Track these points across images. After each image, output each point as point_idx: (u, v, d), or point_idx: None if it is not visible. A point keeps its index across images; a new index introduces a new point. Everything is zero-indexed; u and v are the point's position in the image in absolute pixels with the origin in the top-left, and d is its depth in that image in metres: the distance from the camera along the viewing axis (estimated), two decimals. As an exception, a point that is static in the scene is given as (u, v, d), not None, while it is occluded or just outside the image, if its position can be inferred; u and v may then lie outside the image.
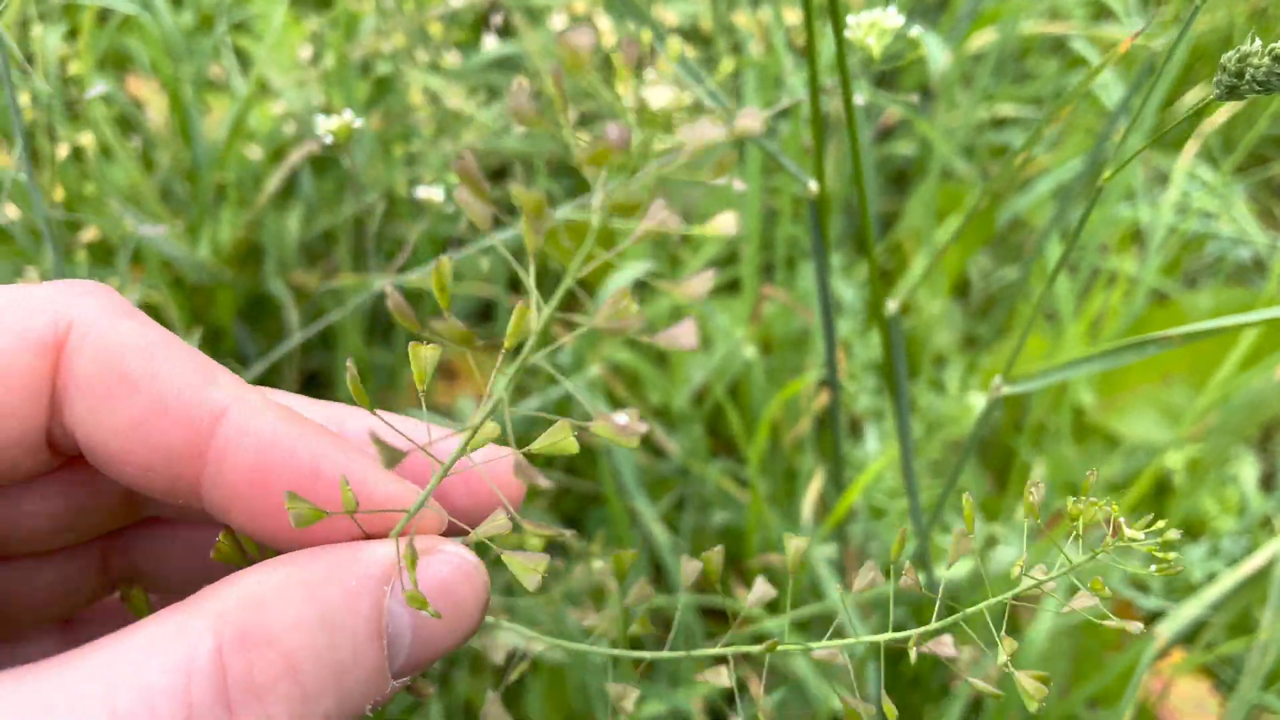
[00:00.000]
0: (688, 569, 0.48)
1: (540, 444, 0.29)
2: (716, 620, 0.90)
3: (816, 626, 0.81)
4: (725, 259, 1.09)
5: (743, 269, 0.88)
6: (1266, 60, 0.33)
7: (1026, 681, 0.32)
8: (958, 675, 0.79)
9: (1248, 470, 1.05)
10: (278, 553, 0.31)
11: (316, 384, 1.12)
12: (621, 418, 0.27)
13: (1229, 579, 0.76)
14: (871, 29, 0.45)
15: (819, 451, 0.89)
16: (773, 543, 0.87)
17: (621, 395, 0.98)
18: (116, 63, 1.24)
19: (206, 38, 1.06)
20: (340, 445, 0.31)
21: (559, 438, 0.29)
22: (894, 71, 1.23)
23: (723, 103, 0.55)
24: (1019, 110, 1.13)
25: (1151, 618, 0.88)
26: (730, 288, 1.07)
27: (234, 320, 1.03)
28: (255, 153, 1.02)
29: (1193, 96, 1.18)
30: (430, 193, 0.58)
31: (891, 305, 0.53)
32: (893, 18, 0.45)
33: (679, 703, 0.70)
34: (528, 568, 0.30)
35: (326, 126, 0.46)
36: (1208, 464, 1.03)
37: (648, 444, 0.97)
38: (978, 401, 0.82)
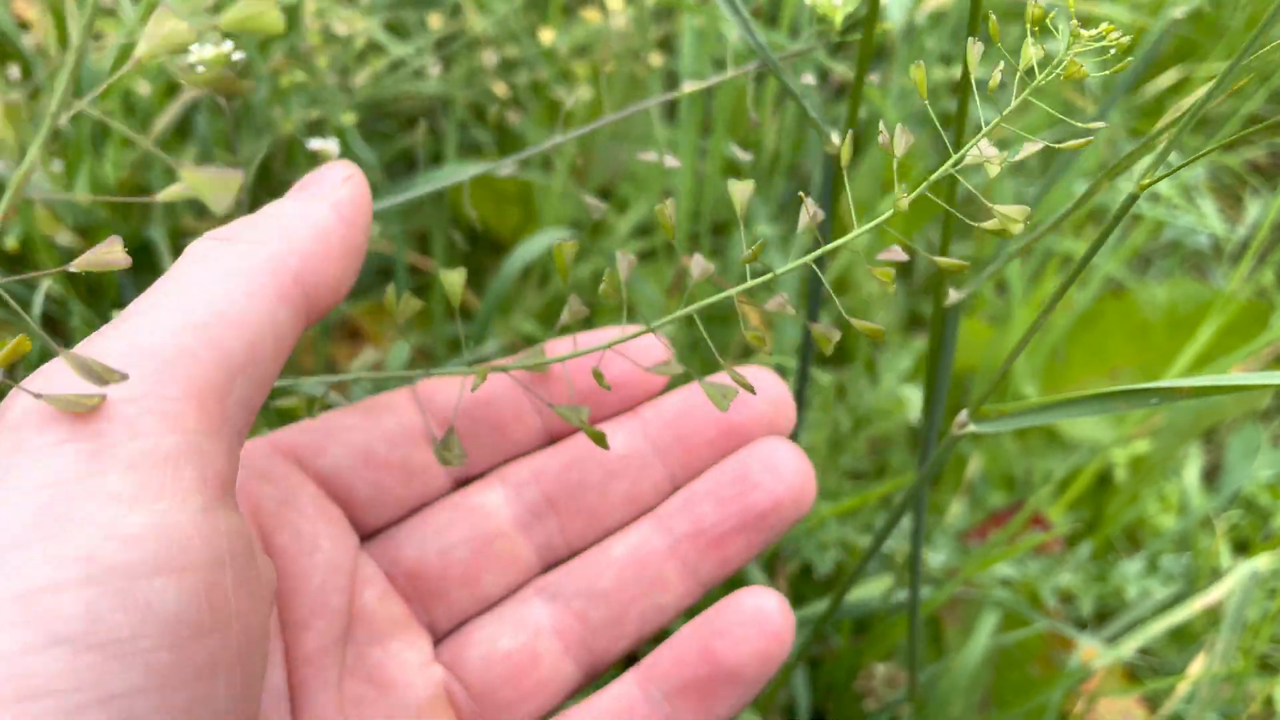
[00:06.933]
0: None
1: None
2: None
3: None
4: (653, 223, 1.01)
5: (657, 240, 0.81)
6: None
7: None
8: (871, 693, 0.73)
9: (1190, 467, 0.99)
10: None
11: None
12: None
13: (1175, 615, 0.70)
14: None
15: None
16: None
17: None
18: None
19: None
20: None
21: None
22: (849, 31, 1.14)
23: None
24: (980, 74, 1.06)
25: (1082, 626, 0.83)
26: (657, 254, 0.99)
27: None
28: (144, 88, 0.93)
29: (1167, 79, 1.11)
30: (325, 145, 0.50)
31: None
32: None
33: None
34: (216, 185, 0.34)
35: (200, 55, 0.38)
36: (1153, 463, 0.98)
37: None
38: (911, 395, 0.75)
